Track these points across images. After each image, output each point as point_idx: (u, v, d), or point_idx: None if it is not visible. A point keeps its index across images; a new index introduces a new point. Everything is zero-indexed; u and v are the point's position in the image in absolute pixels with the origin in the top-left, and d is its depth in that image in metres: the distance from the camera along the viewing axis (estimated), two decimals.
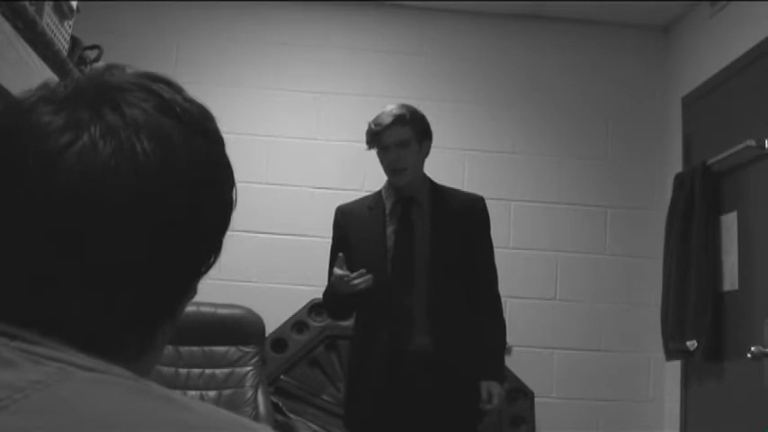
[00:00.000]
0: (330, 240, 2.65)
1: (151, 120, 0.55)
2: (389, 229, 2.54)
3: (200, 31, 3.81)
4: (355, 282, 2.36)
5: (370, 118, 2.57)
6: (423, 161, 2.60)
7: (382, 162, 2.56)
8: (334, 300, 2.51)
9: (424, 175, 2.64)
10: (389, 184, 2.61)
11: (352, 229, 2.59)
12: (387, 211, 2.57)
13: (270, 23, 3.85)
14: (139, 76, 0.59)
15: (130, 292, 0.54)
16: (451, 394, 2.44)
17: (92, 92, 0.56)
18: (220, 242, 0.60)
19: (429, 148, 2.61)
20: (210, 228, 0.58)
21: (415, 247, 2.51)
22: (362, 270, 2.37)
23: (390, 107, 2.57)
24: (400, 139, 2.50)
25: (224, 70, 3.77)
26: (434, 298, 2.46)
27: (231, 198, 0.61)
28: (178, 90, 0.59)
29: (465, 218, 2.58)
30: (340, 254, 2.43)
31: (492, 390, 2.45)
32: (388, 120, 2.49)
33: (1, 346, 0.49)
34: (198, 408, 0.48)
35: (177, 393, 0.49)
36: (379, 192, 2.65)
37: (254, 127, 3.74)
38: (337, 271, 2.39)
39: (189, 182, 0.55)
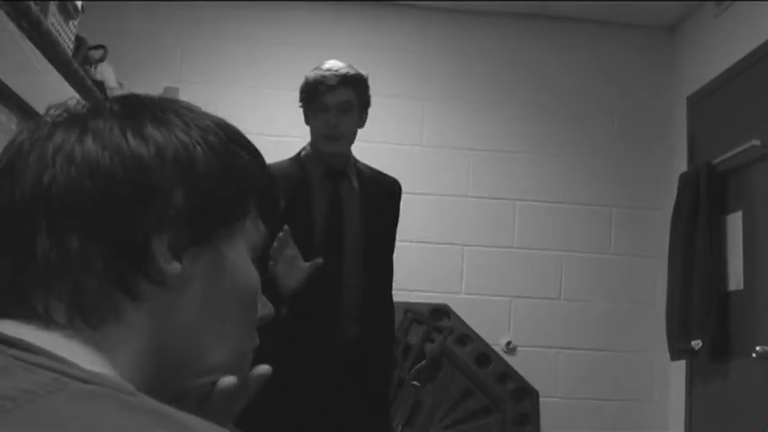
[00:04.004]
0: None
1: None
2: (318, 205, 2.25)
3: (205, 32, 3.82)
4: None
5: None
6: (356, 132, 2.32)
7: (314, 124, 2.27)
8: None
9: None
10: (316, 153, 2.30)
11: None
12: (313, 183, 2.27)
13: (274, 23, 3.85)
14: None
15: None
16: (369, 385, 2.26)
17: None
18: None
19: (366, 119, 2.34)
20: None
21: (344, 227, 2.25)
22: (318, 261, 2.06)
23: (332, 63, 2.29)
24: (344, 101, 2.23)
25: (229, 70, 3.78)
26: (365, 284, 2.24)
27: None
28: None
29: (387, 201, 2.37)
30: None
31: None
32: (333, 80, 2.22)
33: None
34: (197, 426, 0.46)
35: (175, 410, 0.47)
36: (297, 157, 2.34)
37: (260, 127, 3.73)
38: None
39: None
